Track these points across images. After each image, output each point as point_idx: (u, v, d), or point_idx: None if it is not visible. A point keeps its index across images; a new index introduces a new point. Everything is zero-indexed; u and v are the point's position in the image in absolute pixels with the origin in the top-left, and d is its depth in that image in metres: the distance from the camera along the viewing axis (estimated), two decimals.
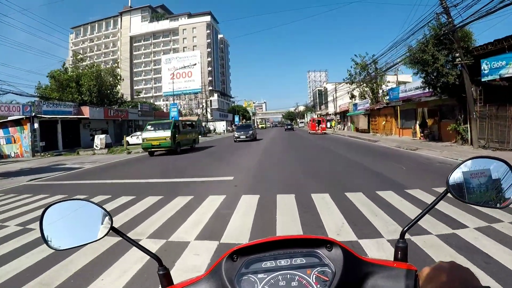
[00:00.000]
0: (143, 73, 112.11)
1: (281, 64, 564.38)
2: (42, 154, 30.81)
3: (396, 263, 0.98)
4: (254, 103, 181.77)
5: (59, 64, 47.02)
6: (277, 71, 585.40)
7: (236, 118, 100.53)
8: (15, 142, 33.10)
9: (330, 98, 70.43)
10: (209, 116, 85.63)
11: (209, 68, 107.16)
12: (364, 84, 42.01)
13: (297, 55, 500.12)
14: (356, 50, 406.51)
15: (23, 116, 31.27)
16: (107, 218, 1.06)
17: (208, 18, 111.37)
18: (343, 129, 56.67)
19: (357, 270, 0.92)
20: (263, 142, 32.61)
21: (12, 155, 33.01)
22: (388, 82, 42.06)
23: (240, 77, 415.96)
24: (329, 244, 0.97)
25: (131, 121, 48.61)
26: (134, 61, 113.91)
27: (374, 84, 40.41)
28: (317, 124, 48.37)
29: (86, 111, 37.96)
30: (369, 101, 40.31)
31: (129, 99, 75.33)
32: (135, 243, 1.05)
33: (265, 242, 0.98)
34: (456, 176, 1.01)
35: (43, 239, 1.01)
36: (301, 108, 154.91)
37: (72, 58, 48.40)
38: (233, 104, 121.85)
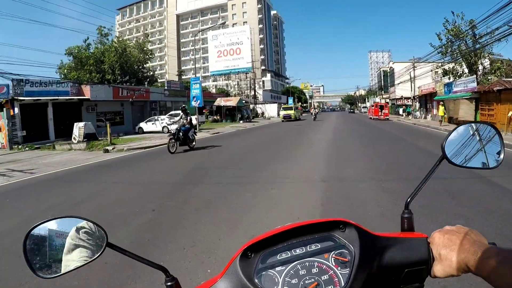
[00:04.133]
0: (191, 53, 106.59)
1: (340, 44, 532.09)
2: (20, 146, 24.28)
3: (405, 233, 0.99)
4: (311, 86, 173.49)
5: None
6: (335, 52, 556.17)
7: (290, 100, 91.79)
8: (0, 131, 26.52)
9: (397, 81, 59.12)
10: (260, 97, 76.37)
11: (261, 46, 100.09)
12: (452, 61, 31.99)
13: (357, 34, 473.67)
14: (423, 28, 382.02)
15: (3, 100, 24.98)
16: (101, 233, 0.96)
17: None
18: (424, 117, 43.88)
19: (372, 246, 0.92)
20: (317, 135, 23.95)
21: None
22: (491, 54, 30.61)
23: (296, 58, 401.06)
24: (341, 224, 0.96)
25: (155, 102, 40.89)
26: (181, 40, 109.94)
27: (475, 57, 29.34)
28: (379, 110, 45.94)
29: (87, 91, 30.45)
30: (475, 79, 27.43)
31: (173, 78, 70.66)
32: (136, 257, 0.94)
33: (276, 234, 0.94)
34: (450, 142, 1.06)
35: (30, 268, 0.88)
36: (362, 91, 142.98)
37: (98, 35, 42.56)
38: (287, 85, 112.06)
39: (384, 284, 0.91)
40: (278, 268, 0.89)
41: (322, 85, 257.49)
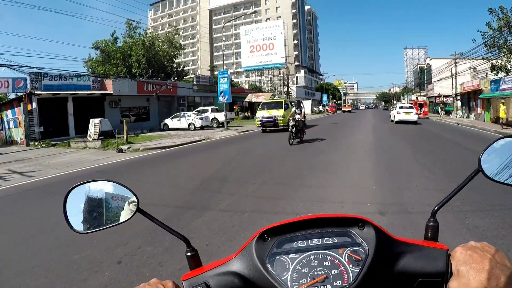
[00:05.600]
0: (224, 48, 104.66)
1: (375, 41, 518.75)
2: (36, 143, 23.18)
3: (427, 242, 0.96)
4: (345, 82, 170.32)
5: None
6: (370, 48, 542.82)
7: (324, 97, 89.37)
8: (20, 126, 25.90)
9: (435, 78, 55.71)
10: (293, 94, 73.80)
11: (295, 41, 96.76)
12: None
13: (392, 30, 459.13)
14: (459, 24, 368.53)
15: (22, 94, 24.48)
16: (133, 199, 1.04)
17: None
18: (466, 116, 40.06)
19: (389, 249, 0.91)
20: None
21: (19, 141, 26.25)
22: None
23: (330, 54, 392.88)
24: (361, 223, 0.95)
25: (183, 97, 39.10)
26: (214, 36, 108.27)
27: None
28: (419, 108, 41.73)
29: (110, 85, 28.86)
30: None
31: (205, 74, 69.53)
32: (162, 225, 1.01)
33: (296, 222, 0.96)
34: (488, 155, 1.00)
35: (67, 223, 0.98)
36: (397, 89, 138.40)
37: (127, 29, 42.08)
38: (321, 82, 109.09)
39: None
40: (291, 255, 0.90)
41: (356, 82, 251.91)
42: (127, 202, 1.03)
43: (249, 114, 47.14)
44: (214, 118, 32.83)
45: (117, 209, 1.02)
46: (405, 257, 0.89)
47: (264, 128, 23.98)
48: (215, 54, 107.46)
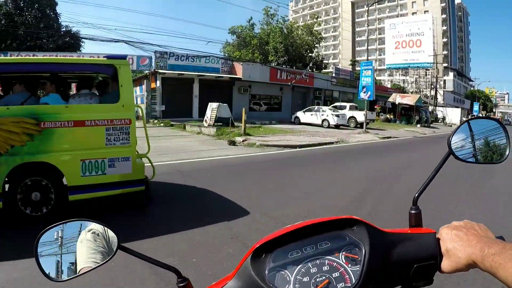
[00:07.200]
0: (367, 43, 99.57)
1: None
2: (155, 121, 23.08)
3: (413, 229, 1.00)
4: (496, 92, 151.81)
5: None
6: None
7: (476, 106, 77.51)
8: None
9: None
10: (440, 99, 65.94)
11: (444, 39, 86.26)
12: None
13: None
14: None
15: (147, 72, 25.02)
16: (112, 235, 0.97)
17: None
18: None
19: (382, 243, 0.93)
20: None
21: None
22: None
23: (481, 57, 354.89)
24: (351, 222, 0.97)
25: (319, 90, 35.67)
26: (356, 29, 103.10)
27: None
28: None
29: (240, 70, 27.14)
30: None
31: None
32: (147, 258, 0.95)
33: (287, 232, 0.94)
34: (456, 138, 1.08)
35: (41, 271, 0.90)
36: None
37: (264, 16, 41.49)
38: (471, 89, 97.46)
39: (395, 280, 0.92)
40: (289, 267, 0.89)
41: (507, 93, 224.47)
42: (105, 241, 0.96)
43: (391, 116, 41.46)
44: (352, 117, 28.32)
45: (96, 250, 0.94)
46: (398, 247, 0.91)
47: None
48: (357, 48, 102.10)
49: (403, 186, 7.37)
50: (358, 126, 26.64)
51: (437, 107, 59.69)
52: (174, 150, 11.93)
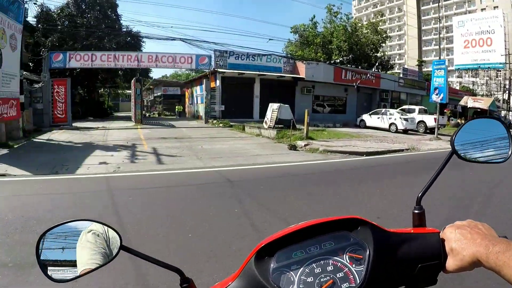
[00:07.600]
0: (433, 42, 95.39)
1: None
2: (214, 121, 23.25)
3: (417, 229, 1.01)
4: None
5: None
6: None
7: None
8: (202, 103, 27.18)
9: None
10: None
11: None
12: None
13: None
14: None
15: (206, 71, 25.02)
16: (115, 236, 0.97)
17: None
18: None
19: (386, 243, 0.93)
20: None
21: (203, 117, 27.03)
22: None
23: None
24: (355, 222, 0.97)
25: (386, 92, 34.13)
26: (422, 28, 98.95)
27: None
28: None
29: (303, 69, 26.35)
30: None
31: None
32: (151, 259, 0.95)
33: (291, 232, 0.95)
34: (459, 138, 1.09)
35: (42, 271, 0.90)
36: None
37: (327, 14, 40.69)
38: None
39: (399, 280, 0.91)
40: (293, 267, 0.89)
41: None
42: (108, 241, 0.95)
43: (462, 121, 38.60)
44: (421, 121, 26.27)
45: (98, 250, 0.94)
46: (402, 247, 0.91)
47: None
48: (424, 48, 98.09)
49: (497, 211, 5.68)
50: (428, 131, 24.87)
51: (509, 112, 56.29)
52: (230, 153, 11.42)
